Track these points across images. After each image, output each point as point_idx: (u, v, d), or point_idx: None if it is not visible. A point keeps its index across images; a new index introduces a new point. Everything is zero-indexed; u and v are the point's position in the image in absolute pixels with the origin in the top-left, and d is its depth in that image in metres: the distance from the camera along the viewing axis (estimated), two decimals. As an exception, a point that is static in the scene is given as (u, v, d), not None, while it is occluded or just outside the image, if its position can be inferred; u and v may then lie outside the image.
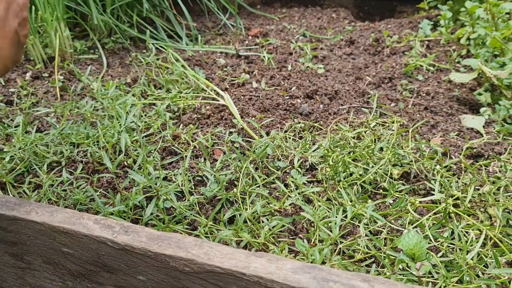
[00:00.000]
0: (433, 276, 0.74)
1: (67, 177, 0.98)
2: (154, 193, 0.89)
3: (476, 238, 0.78)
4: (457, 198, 0.88)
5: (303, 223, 0.86)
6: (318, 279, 0.56)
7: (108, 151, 1.05)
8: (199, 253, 0.60)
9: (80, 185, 0.96)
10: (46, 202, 0.93)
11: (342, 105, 1.26)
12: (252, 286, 0.58)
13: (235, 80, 1.43)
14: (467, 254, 0.75)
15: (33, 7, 1.47)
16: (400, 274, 0.72)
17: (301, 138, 1.11)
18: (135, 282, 0.67)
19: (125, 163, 1.03)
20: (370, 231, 0.83)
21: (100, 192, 0.95)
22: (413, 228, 0.82)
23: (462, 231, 0.81)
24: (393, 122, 1.12)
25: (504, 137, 1.10)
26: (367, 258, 0.79)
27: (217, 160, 1.01)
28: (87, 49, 1.69)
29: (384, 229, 0.83)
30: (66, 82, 1.45)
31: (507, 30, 1.38)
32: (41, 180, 0.99)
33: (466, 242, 0.77)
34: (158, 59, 1.55)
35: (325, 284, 0.55)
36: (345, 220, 0.83)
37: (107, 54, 1.67)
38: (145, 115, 1.21)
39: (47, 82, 1.45)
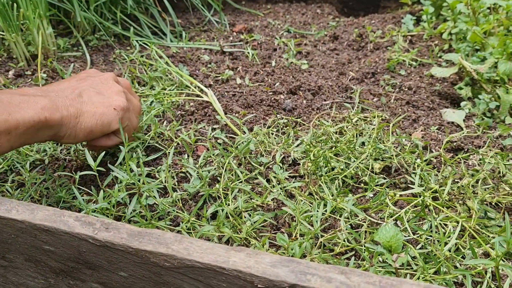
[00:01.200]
0: (412, 268, 0.75)
1: (50, 175, 0.98)
2: (137, 190, 0.90)
3: (454, 230, 0.80)
4: (436, 191, 0.89)
5: (285, 217, 0.87)
6: (296, 272, 0.57)
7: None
8: (179, 248, 0.61)
9: (63, 183, 0.96)
10: (29, 200, 0.93)
11: (325, 100, 1.27)
12: (231, 279, 0.59)
13: (219, 76, 1.43)
14: (445, 245, 0.76)
15: (15, 4, 1.46)
16: (379, 266, 0.73)
17: (284, 133, 1.11)
18: (116, 278, 0.67)
19: (108, 160, 1.03)
20: (350, 225, 0.85)
21: (82, 190, 0.95)
22: (393, 221, 0.83)
23: (440, 224, 0.82)
24: (374, 117, 1.13)
25: (484, 130, 1.12)
26: (347, 251, 0.80)
27: (200, 157, 1.02)
28: (71, 47, 1.68)
29: (365, 222, 0.84)
30: (50, 80, 1.44)
31: (488, 24, 1.40)
32: (24, 179, 0.99)
33: (444, 234, 0.79)
34: (142, 56, 1.55)
35: (303, 277, 0.56)
36: (326, 215, 0.84)
37: (91, 52, 1.66)
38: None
39: (30, 80, 1.44)
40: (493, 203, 0.89)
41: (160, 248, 0.61)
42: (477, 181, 0.92)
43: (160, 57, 1.49)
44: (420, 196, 0.88)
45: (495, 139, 1.09)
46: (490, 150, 1.02)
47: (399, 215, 0.83)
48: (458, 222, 0.80)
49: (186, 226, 0.83)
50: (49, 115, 0.80)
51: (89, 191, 0.93)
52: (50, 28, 1.55)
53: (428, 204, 0.85)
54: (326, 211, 0.84)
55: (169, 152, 1.02)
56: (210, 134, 1.09)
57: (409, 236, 0.81)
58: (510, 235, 0.61)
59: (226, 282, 0.59)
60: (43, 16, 1.51)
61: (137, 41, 1.63)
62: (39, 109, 0.79)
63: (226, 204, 0.87)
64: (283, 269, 0.57)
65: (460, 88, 1.31)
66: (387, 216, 0.85)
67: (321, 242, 0.80)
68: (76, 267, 0.69)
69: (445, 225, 0.83)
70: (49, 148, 1.07)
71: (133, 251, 0.62)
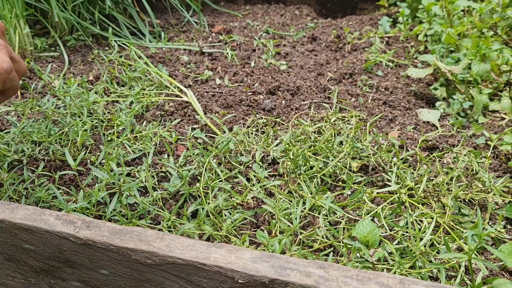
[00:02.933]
0: (388, 263, 0.77)
1: (28, 175, 0.97)
2: (118, 189, 0.90)
3: (429, 226, 0.82)
4: (411, 189, 0.92)
5: (264, 215, 0.88)
6: (276, 267, 0.58)
7: (70, 148, 1.04)
8: (160, 245, 0.62)
9: (42, 183, 0.96)
10: (7, 200, 0.93)
11: (303, 100, 1.29)
12: (212, 275, 0.59)
13: (199, 77, 1.44)
14: (420, 241, 0.78)
15: (-9, 3, 1.45)
16: (357, 262, 0.75)
17: (263, 133, 1.13)
18: (98, 276, 0.68)
19: (89, 160, 1.03)
20: (329, 222, 0.86)
21: (62, 190, 0.95)
22: (370, 217, 0.85)
23: (416, 220, 0.84)
24: (352, 117, 1.15)
25: (458, 129, 1.15)
26: (326, 248, 0.81)
27: (180, 156, 1.02)
28: (48, 47, 1.67)
29: (343, 219, 0.86)
30: (27, 80, 1.43)
31: (462, 26, 1.44)
32: (2, 179, 0.98)
33: (419, 229, 0.81)
34: (121, 56, 1.55)
35: (283, 272, 0.57)
36: (305, 212, 0.86)
37: (69, 52, 1.65)
38: (108, 112, 1.21)
39: (7, 80, 1.42)
40: (466, 200, 0.92)
41: (141, 246, 0.62)
42: (451, 179, 0.95)
43: (139, 57, 1.49)
44: (396, 194, 0.90)
45: (468, 138, 1.12)
46: (464, 148, 1.04)
47: (376, 212, 0.85)
48: (433, 218, 0.83)
49: (167, 224, 0.84)
50: None
51: (69, 191, 0.93)
52: (27, 28, 1.54)
53: (404, 201, 0.87)
54: (305, 208, 0.86)
55: (148, 152, 1.02)
56: (190, 133, 1.10)
57: (386, 232, 0.82)
58: (482, 230, 0.63)
59: (207, 278, 0.60)
60: (20, 15, 1.50)
61: (115, 41, 1.63)
62: None
63: (206, 202, 0.88)
64: (263, 264, 0.58)
65: (435, 89, 1.34)
66: (365, 213, 0.86)
67: (300, 239, 0.81)
68: (57, 265, 0.69)
69: (421, 221, 0.85)
70: (27, 148, 1.06)
71: (114, 248, 0.63)
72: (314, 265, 0.58)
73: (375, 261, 0.73)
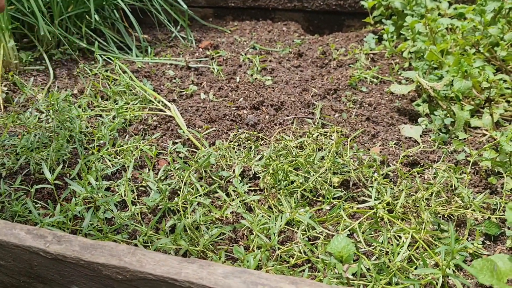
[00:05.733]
0: (366, 278, 0.76)
1: (5, 189, 0.96)
2: (94, 203, 0.89)
3: (406, 242, 0.82)
4: (389, 204, 0.91)
5: (243, 230, 0.87)
6: (247, 282, 0.57)
7: (50, 162, 1.04)
8: (131, 260, 0.61)
9: (19, 197, 0.95)
10: (-17, 214, 0.91)
11: (287, 115, 1.29)
12: (183, 291, 0.59)
13: (184, 91, 1.44)
14: (397, 256, 0.78)
15: (-24, 17, 1.45)
16: (333, 277, 0.74)
17: (245, 148, 1.12)
18: (69, 292, 0.67)
19: (68, 174, 1.02)
20: (308, 237, 0.86)
21: (40, 204, 0.94)
22: (348, 233, 0.85)
23: (394, 235, 0.84)
24: (334, 132, 1.16)
25: (439, 145, 1.16)
26: (304, 263, 0.81)
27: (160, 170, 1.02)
28: (34, 60, 1.66)
29: (321, 234, 0.85)
30: (11, 94, 1.42)
31: (445, 44, 1.45)
32: (-21, 193, 0.97)
33: (397, 245, 0.81)
34: (106, 71, 1.54)
35: (254, 287, 0.56)
36: (284, 228, 0.85)
37: (55, 66, 1.65)
38: (90, 126, 1.20)
39: (-10, 93, 1.42)
40: (446, 215, 0.92)
41: (112, 261, 0.61)
42: (431, 194, 0.95)
43: (124, 71, 1.49)
44: (374, 209, 0.90)
45: (449, 154, 1.12)
46: (444, 164, 1.05)
47: (353, 227, 0.84)
48: (409, 234, 0.82)
49: (143, 239, 0.83)
50: None
51: (46, 205, 0.92)
52: (12, 41, 1.54)
53: (382, 216, 0.87)
54: (285, 224, 0.85)
55: (128, 166, 1.02)
56: (171, 148, 1.09)
57: (364, 248, 0.82)
58: (455, 245, 0.63)
59: (178, 293, 0.59)
60: (5, 29, 1.50)
61: (101, 55, 1.63)
62: None
63: (184, 217, 0.87)
64: (235, 280, 0.58)
65: (418, 105, 1.35)
66: (342, 228, 0.86)
67: (278, 254, 0.81)
68: (27, 281, 0.68)
69: (399, 236, 0.85)
70: (8, 161, 1.05)
71: (85, 263, 0.62)
72: (286, 280, 0.57)
73: (352, 277, 0.72)
